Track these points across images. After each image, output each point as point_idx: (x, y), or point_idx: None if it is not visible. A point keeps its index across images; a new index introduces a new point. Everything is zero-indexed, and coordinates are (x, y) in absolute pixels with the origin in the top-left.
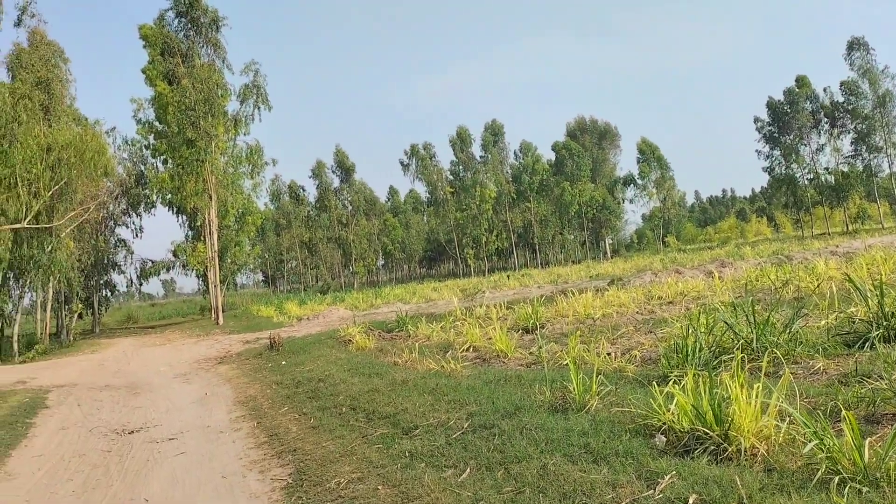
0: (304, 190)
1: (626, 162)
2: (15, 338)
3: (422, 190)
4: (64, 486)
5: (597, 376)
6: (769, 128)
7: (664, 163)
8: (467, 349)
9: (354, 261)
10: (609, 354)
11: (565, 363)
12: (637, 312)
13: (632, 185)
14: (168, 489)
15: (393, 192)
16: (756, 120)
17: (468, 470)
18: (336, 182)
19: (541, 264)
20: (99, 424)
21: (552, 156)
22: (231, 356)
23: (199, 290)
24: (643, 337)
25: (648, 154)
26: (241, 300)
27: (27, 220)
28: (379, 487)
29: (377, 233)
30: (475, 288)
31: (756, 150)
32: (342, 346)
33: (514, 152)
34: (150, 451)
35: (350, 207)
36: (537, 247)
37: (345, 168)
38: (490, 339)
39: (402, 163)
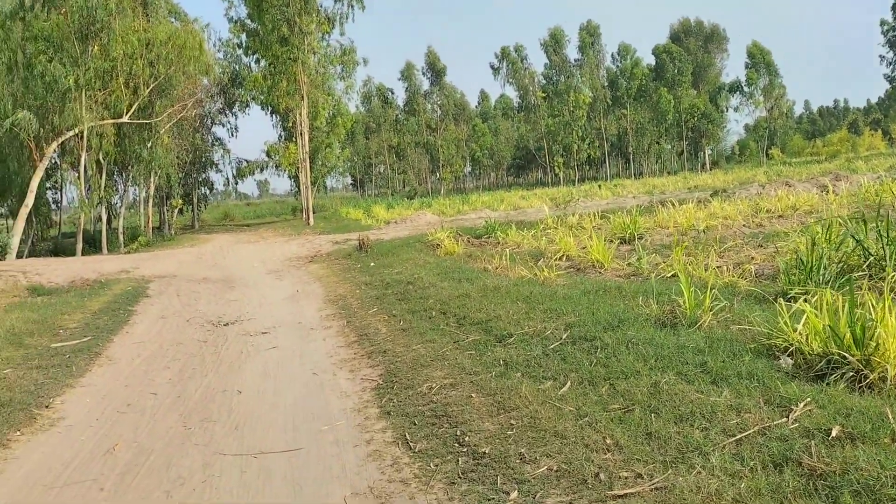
0: (392, 93)
1: (732, 68)
2: (120, 229)
3: (512, 95)
4: (161, 373)
5: (712, 290)
6: (894, 32)
7: (774, 69)
8: (560, 258)
9: (442, 167)
10: (718, 268)
11: (669, 275)
12: (744, 226)
13: (738, 92)
14: (260, 382)
15: (483, 96)
16: (882, 23)
17: (569, 383)
18: (426, 85)
19: (634, 175)
20: (196, 315)
21: (653, 61)
22: (321, 255)
23: (291, 191)
24: (754, 251)
25: (759, 59)
26: (331, 203)
27: (128, 115)
28: (473, 395)
29: (465, 139)
30: (565, 197)
31: (879, 56)
32: (430, 251)
33: (612, 55)
34: (243, 344)
35: (439, 112)
36: (631, 156)
37: (436, 70)
38: (585, 248)
39: (492, 66)
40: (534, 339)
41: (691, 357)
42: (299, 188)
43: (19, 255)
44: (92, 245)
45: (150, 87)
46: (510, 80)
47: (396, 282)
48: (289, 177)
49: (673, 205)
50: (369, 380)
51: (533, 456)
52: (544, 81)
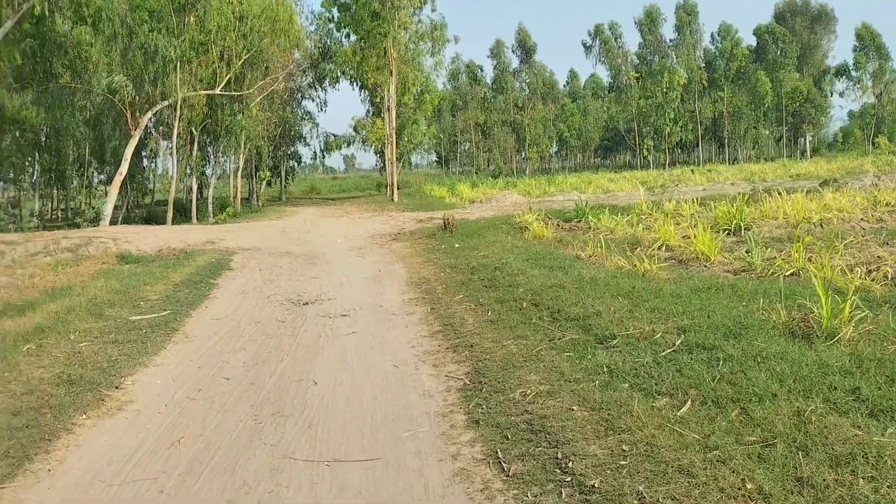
0: (481, 70)
1: (839, 50)
2: (210, 200)
3: (604, 74)
4: (235, 355)
5: (853, 296)
6: None
7: (885, 52)
8: (658, 247)
9: (528, 146)
10: (848, 268)
11: (787, 274)
12: (862, 220)
13: (844, 76)
14: (337, 372)
15: (573, 75)
16: None
17: (689, 402)
18: (515, 63)
19: (728, 160)
20: (276, 292)
21: (754, 41)
22: (404, 234)
23: (377, 166)
24: (880, 249)
25: (868, 42)
26: (415, 179)
27: (220, 87)
28: (574, 408)
29: (553, 118)
30: (657, 180)
31: None
32: (517, 233)
33: (712, 35)
34: (321, 327)
35: (527, 90)
36: (726, 141)
37: (526, 48)
38: (687, 237)
39: (584, 44)
40: (641, 343)
41: (839, 380)
42: (384, 164)
43: (113, 222)
44: (183, 214)
45: (242, 60)
46: (602, 59)
47: (483, 266)
48: (374, 152)
49: (779, 194)
50: (455, 378)
51: (655, 497)
52: (637, 61)
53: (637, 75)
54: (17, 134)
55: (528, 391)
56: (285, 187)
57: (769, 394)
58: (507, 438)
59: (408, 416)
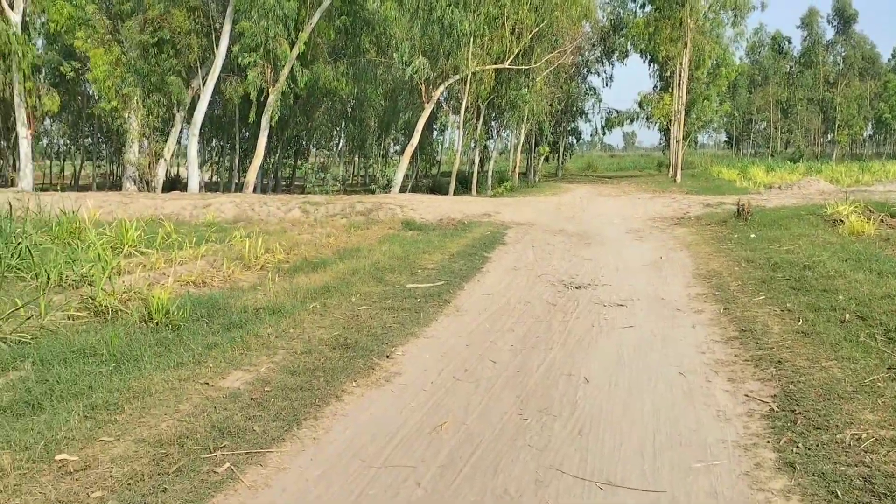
0: (789, 42)
1: None
2: (490, 173)
3: None
4: (504, 336)
5: None
6: None
7: None
8: None
9: (837, 128)
10: None
11: None
12: None
13: None
14: (612, 371)
15: None
16: None
17: None
18: (829, 34)
19: None
20: (548, 271)
21: None
22: (689, 218)
23: (659, 145)
24: None
25: None
26: (700, 160)
27: (509, 60)
28: None
29: (871, 97)
30: None
31: None
32: (829, 227)
33: None
34: (595, 316)
35: (842, 65)
36: None
37: (845, 17)
38: None
39: None
40: None
41: None
42: (668, 142)
43: (402, 189)
44: (464, 185)
45: (532, 33)
46: None
47: (788, 263)
48: (658, 130)
49: None
50: (758, 399)
51: None
52: None
53: None
54: (329, 104)
55: (864, 434)
56: (562, 163)
57: None
58: (837, 496)
59: (698, 442)
